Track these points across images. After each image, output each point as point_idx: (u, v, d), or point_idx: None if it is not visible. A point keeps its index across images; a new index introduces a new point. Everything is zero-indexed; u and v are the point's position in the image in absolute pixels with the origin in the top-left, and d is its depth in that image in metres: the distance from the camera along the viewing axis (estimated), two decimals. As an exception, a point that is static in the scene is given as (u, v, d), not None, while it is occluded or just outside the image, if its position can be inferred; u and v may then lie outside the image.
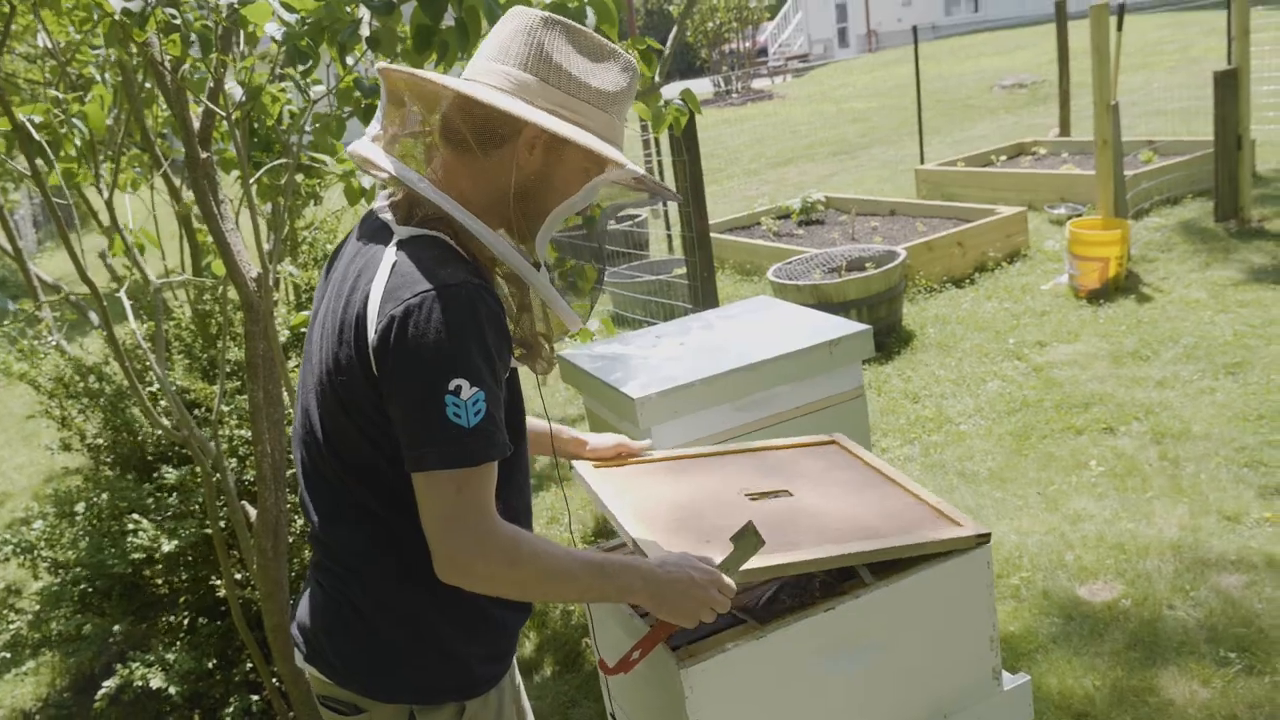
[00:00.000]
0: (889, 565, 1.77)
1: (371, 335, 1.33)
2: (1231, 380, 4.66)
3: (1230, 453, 3.98)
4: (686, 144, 4.73)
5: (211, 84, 2.78)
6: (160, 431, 3.26)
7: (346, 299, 1.40)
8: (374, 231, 1.46)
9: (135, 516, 3.18)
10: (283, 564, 2.81)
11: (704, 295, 4.95)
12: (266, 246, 3.64)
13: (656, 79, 3.02)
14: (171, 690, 2.94)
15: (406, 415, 1.33)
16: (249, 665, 3.22)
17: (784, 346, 3.04)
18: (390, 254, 1.38)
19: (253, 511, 2.94)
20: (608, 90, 1.44)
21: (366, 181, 3.23)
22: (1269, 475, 3.78)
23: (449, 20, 2.32)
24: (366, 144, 1.47)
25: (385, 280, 1.35)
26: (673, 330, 3.56)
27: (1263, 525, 3.46)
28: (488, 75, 1.43)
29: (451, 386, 1.29)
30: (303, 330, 3.68)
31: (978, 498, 3.93)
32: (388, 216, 1.47)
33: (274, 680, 3.07)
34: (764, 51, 30.70)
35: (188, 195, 3.79)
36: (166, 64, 2.26)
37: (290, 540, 2.93)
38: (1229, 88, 6.70)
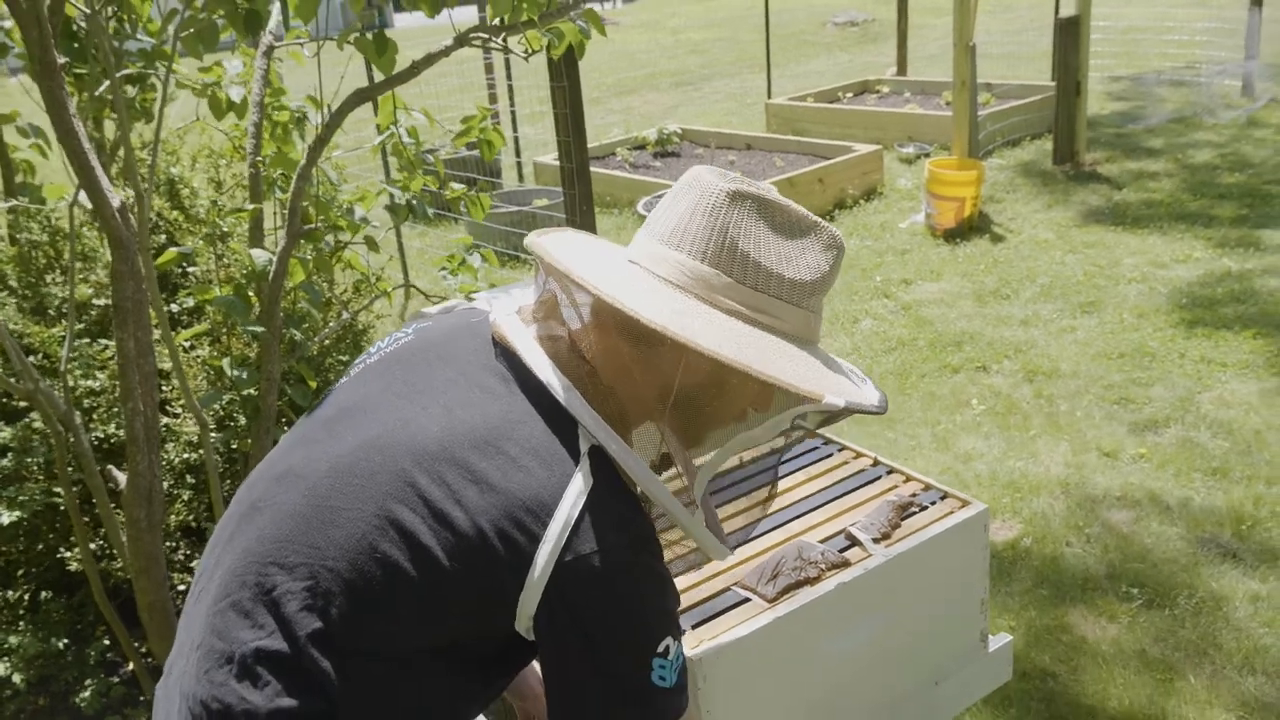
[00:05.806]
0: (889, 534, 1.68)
1: (544, 559, 1.05)
2: (1088, 319, 4.87)
3: (1099, 390, 4.15)
4: (567, 68, 4.46)
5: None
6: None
7: (493, 463, 1.08)
8: (535, 388, 1.14)
9: (-36, 483, 2.74)
10: (158, 536, 2.48)
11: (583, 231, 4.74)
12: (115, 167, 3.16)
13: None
14: (16, 679, 2.59)
15: (597, 680, 1.09)
16: (106, 643, 2.88)
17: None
18: (581, 477, 1.08)
19: (119, 476, 2.58)
20: (804, 280, 1.16)
21: (235, 93, 2.82)
22: (1137, 411, 3.96)
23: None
24: (509, 319, 1.20)
25: (580, 503, 1.06)
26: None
27: (1139, 461, 3.62)
28: (657, 262, 1.15)
29: (661, 649, 1.09)
30: (168, 270, 3.24)
31: (871, 439, 3.95)
32: (551, 378, 1.13)
33: (144, 659, 2.75)
34: (593, -25, 30.02)
35: None
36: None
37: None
38: (1072, 34, 6.95)
